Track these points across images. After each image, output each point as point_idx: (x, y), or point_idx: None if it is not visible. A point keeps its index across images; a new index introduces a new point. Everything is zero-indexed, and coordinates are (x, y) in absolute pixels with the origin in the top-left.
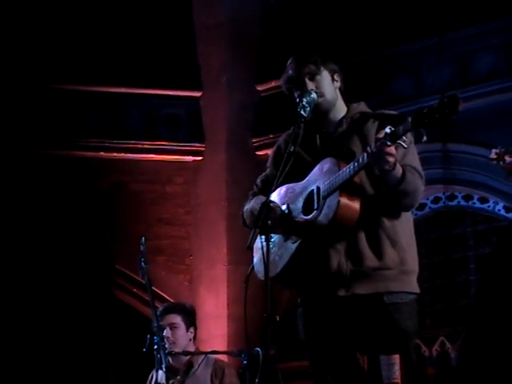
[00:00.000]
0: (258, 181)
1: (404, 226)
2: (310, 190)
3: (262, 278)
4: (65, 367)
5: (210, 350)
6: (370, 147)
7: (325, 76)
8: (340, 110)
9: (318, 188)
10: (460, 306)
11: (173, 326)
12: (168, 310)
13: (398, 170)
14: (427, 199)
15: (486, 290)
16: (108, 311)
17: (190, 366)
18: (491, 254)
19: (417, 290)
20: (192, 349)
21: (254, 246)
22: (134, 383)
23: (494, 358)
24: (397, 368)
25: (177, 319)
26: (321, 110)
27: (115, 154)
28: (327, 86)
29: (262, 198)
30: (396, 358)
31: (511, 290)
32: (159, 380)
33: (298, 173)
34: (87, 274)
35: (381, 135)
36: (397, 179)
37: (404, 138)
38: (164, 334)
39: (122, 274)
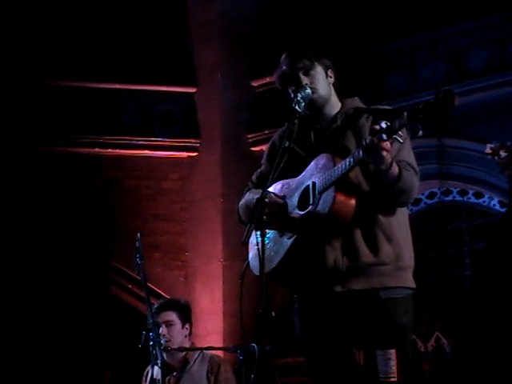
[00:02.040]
0: (254, 177)
1: (400, 222)
2: (305, 185)
3: (258, 274)
4: (61, 365)
5: (205, 346)
6: (365, 140)
7: (319, 71)
8: (334, 105)
9: (314, 183)
10: (456, 301)
11: (168, 324)
12: (163, 308)
13: (395, 170)
14: (422, 194)
15: (480, 285)
16: (104, 308)
17: (185, 362)
18: (484, 250)
19: (413, 285)
20: (187, 345)
21: (250, 241)
22: (130, 381)
23: (488, 353)
24: (393, 363)
25: (172, 316)
26: (315, 106)
27: (110, 150)
28: (321, 81)
29: (257, 192)
30: (392, 353)
31: (504, 286)
32: (155, 376)
33: (293, 169)
34: (83, 271)
35: (377, 127)
36: (393, 178)
37: (400, 132)
38: (160, 331)
39: (118, 270)
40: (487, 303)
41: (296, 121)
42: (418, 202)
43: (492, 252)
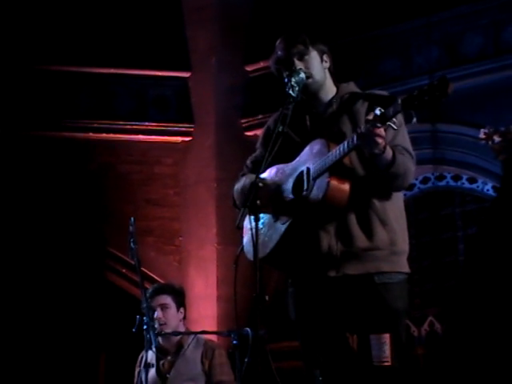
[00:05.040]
0: (248, 161)
1: (394, 207)
2: (299, 170)
3: (251, 259)
4: (57, 348)
5: (199, 330)
6: (360, 128)
7: (314, 56)
8: (329, 90)
9: (308, 169)
10: (449, 286)
11: (164, 307)
12: (158, 291)
13: (388, 153)
14: (416, 179)
15: (471, 270)
16: (99, 293)
17: (180, 346)
18: (475, 235)
19: (407, 269)
20: (182, 329)
21: (244, 226)
22: (125, 365)
23: (480, 337)
24: (387, 347)
25: (167, 300)
26: (310, 91)
27: (104, 135)
28: (316, 66)
29: (252, 177)
30: (386, 337)
31: (495, 271)
32: (149, 360)
33: (288, 154)
34: (77, 256)
35: (370, 117)
36: (387, 162)
37: (394, 119)
38: (155, 315)
39: (111, 254)
40: (479, 288)
41: (290, 106)
42: (411, 187)
43: (483, 237)
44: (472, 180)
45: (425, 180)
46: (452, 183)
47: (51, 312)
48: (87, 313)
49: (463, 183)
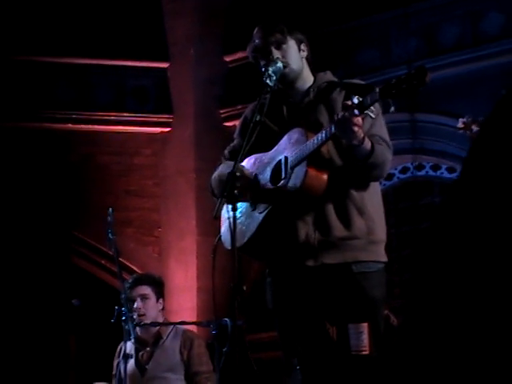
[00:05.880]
0: (226, 151)
1: (372, 196)
2: (277, 159)
3: (229, 248)
4: (24, 332)
5: (179, 321)
6: (337, 115)
7: (291, 45)
8: (307, 79)
9: (286, 158)
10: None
11: (143, 297)
12: (138, 282)
13: (367, 144)
14: (395, 169)
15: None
16: (70, 279)
17: (158, 337)
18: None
19: (384, 258)
20: (161, 320)
21: (222, 215)
22: (95, 347)
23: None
24: (365, 336)
25: (147, 290)
26: (287, 80)
27: (82, 126)
28: (293, 55)
29: (229, 165)
30: (364, 326)
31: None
32: (128, 351)
33: (265, 143)
34: (46, 242)
35: (349, 102)
36: (366, 153)
37: (372, 108)
38: (134, 305)
39: (88, 245)
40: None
41: (268, 95)
42: (390, 176)
43: (434, 233)
44: (451, 170)
45: (404, 170)
46: (431, 173)
47: (19, 295)
48: (56, 295)
49: (442, 173)
